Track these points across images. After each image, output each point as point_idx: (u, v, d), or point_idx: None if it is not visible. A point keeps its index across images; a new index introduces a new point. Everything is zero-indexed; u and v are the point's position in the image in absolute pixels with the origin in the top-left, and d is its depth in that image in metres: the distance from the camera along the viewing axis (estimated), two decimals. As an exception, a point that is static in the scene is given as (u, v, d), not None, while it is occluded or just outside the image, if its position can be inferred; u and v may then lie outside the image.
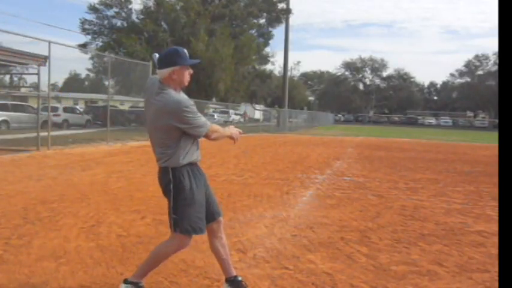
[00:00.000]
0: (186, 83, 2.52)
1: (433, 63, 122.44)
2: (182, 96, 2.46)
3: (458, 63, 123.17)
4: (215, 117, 35.03)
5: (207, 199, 2.62)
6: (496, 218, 4.89)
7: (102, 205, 5.04)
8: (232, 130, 2.68)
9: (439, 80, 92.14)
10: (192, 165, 2.52)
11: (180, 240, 2.54)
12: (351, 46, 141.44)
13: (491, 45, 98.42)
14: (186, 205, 2.47)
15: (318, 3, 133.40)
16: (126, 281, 2.58)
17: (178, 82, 2.47)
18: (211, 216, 2.65)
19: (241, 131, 2.76)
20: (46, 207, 4.80)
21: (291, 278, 3.08)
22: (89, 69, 41.93)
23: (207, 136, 2.50)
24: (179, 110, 2.36)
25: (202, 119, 2.45)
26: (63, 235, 3.84)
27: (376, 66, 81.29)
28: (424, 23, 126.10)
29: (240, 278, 2.76)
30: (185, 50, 2.52)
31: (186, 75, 2.50)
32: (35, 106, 13.68)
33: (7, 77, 24.26)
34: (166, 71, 2.43)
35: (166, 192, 2.53)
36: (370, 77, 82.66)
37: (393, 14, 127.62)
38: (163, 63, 2.45)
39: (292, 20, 33.90)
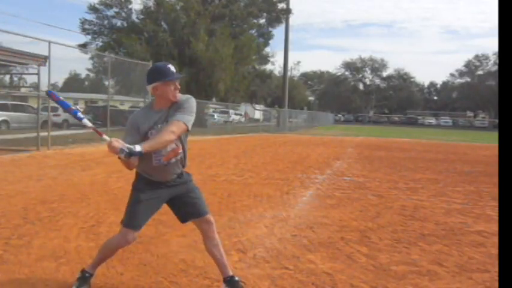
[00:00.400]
0: (173, 98, 2.54)
1: (433, 63, 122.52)
2: (134, 115, 2.60)
3: (458, 63, 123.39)
4: (215, 117, 35.01)
5: (188, 198, 2.70)
6: (496, 218, 4.89)
7: (102, 205, 5.04)
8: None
9: (439, 80, 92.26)
10: (151, 181, 2.61)
11: (122, 235, 2.64)
12: (351, 46, 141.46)
13: (491, 45, 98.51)
14: (133, 202, 2.62)
15: (318, 3, 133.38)
16: (82, 270, 2.75)
17: (162, 97, 2.54)
18: (191, 214, 2.72)
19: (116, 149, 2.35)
20: (46, 207, 4.80)
21: (291, 278, 3.08)
22: (89, 69, 41.89)
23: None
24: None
25: (125, 141, 2.43)
26: (63, 235, 3.84)
27: (376, 66, 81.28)
28: (424, 23, 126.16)
29: (236, 278, 2.78)
30: (169, 65, 2.56)
31: (170, 90, 2.52)
32: (35, 106, 13.67)
33: (7, 77, 24.26)
34: (149, 88, 2.56)
35: None
36: (370, 77, 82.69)
37: (393, 14, 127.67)
38: (147, 80, 2.56)
39: (292, 20, 34.00)
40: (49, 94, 2.65)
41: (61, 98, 2.55)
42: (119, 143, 2.32)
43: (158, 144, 2.42)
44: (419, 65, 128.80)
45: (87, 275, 2.71)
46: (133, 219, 2.60)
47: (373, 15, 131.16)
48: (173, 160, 2.59)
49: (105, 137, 2.37)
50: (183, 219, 2.77)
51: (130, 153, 2.30)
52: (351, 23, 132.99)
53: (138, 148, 2.32)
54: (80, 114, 2.48)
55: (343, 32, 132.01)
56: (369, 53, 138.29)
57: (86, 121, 2.48)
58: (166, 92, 2.52)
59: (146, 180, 2.62)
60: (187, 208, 2.71)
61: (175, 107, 2.55)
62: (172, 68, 2.55)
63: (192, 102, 2.59)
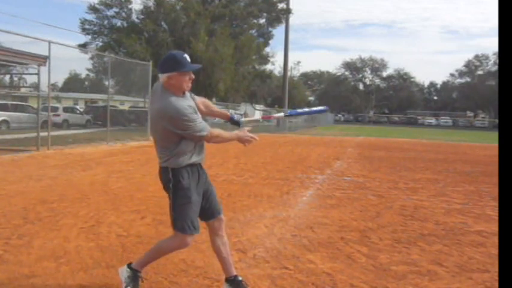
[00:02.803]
0: (187, 88, 2.55)
1: (433, 63, 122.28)
2: (181, 103, 2.45)
3: (458, 63, 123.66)
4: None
5: (208, 197, 2.67)
6: (496, 218, 4.89)
7: (102, 205, 5.04)
8: (241, 133, 2.67)
9: (439, 80, 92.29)
10: (193, 166, 2.55)
11: (180, 240, 2.58)
12: (351, 46, 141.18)
13: (491, 45, 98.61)
14: (184, 204, 2.52)
15: (318, 3, 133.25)
16: (129, 266, 2.70)
17: (177, 87, 2.50)
18: (211, 214, 2.69)
19: (251, 135, 2.69)
20: (46, 207, 4.80)
21: (291, 278, 3.08)
22: (89, 69, 41.97)
23: (207, 140, 2.55)
24: (177, 117, 2.40)
25: (201, 124, 2.47)
26: (63, 235, 3.84)
27: (376, 66, 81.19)
28: (423, 23, 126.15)
29: (240, 278, 2.76)
30: (185, 55, 2.52)
31: (185, 81, 2.51)
32: (35, 106, 13.68)
33: (7, 77, 24.29)
34: (164, 76, 2.48)
35: (166, 190, 2.59)
36: (370, 77, 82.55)
37: (393, 14, 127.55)
38: (161, 68, 2.49)
39: (292, 19, 33.84)
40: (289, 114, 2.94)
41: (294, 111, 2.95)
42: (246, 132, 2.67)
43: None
44: (419, 65, 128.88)
45: (139, 274, 2.68)
46: (188, 222, 2.52)
47: (373, 15, 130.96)
48: None
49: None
50: (202, 217, 2.69)
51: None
52: (350, 23, 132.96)
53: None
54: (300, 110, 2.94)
55: (343, 32, 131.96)
56: (368, 53, 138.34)
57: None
58: (181, 82, 2.49)
59: (187, 175, 2.51)
60: (206, 206, 2.66)
61: (191, 93, 2.68)
62: (188, 58, 2.52)
63: None
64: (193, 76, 2.55)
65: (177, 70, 2.45)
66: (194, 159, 2.54)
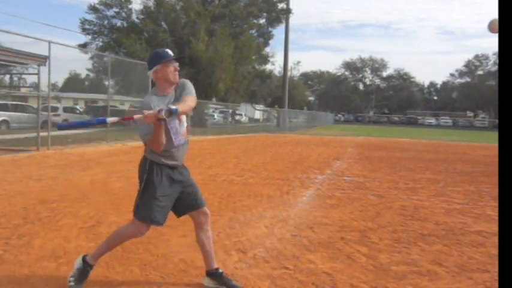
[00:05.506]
0: (173, 79, 2.63)
1: (430, 63, 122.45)
2: (145, 100, 2.62)
3: (456, 63, 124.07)
4: (215, 117, 35.06)
5: (187, 191, 2.74)
6: (496, 218, 4.89)
7: (102, 205, 5.04)
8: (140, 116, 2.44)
9: (438, 80, 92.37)
10: (164, 166, 2.65)
11: (137, 227, 2.68)
12: (348, 47, 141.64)
13: (487, 45, 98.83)
14: (150, 196, 2.62)
15: (315, 4, 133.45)
16: (84, 258, 2.76)
17: (164, 79, 2.62)
18: (192, 206, 2.77)
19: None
20: (46, 207, 4.80)
21: (291, 278, 3.07)
22: (89, 69, 41.96)
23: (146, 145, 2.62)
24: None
25: (144, 130, 2.51)
26: (63, 235, 3.84)
27: (376, 66, 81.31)
28: (420, 23, 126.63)
29: (221, 270, 2.84)
30: (167, 50, 2.66)
31: (170, 72, 2.61)
32: (35, 106, 13.66)
33: (7, 77, 24.28)
34: (150, 73, 2.64)
35: (139, 178, 2.69)
36: (370, 77, 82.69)
37: (390, 15, 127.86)
38: (148, 66, 2.64)
39: (290, 20, 33.80)
40: (60, 127, 2.65)
41: (71, 122, 2.65)
42: (152, 110, 2.36)
43: (186, 107, 2.49)
44: (416, 65, 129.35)
45: (88, 268, 2.73)
46: (150, 213, 2.61)
47: (369, 16, 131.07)
48: (186, 140, 2.69)
49: (136, 116, 2.41)
50: (182, 212, 2.80)
51: (170, 110, 2.30)
52: (347, 24, 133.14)
53: (173, 107, 2.35)
54: (101, 119, 2.58)
55: (340, 33, 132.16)
56: (366, 53, 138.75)
57: (110, 119, 2.56)
58: (167, 74, 2.60)
59: (162, 172, 2.63)
60: (187, 200, 2.75)
61: (180, 89, 2.66)
62: (170, 52, 2.64)
63: (191, 84, 2.71)
64: (178, 67, 2.64)
65: (159, 62, 2.59)
66: (164, 160, 2.64)
